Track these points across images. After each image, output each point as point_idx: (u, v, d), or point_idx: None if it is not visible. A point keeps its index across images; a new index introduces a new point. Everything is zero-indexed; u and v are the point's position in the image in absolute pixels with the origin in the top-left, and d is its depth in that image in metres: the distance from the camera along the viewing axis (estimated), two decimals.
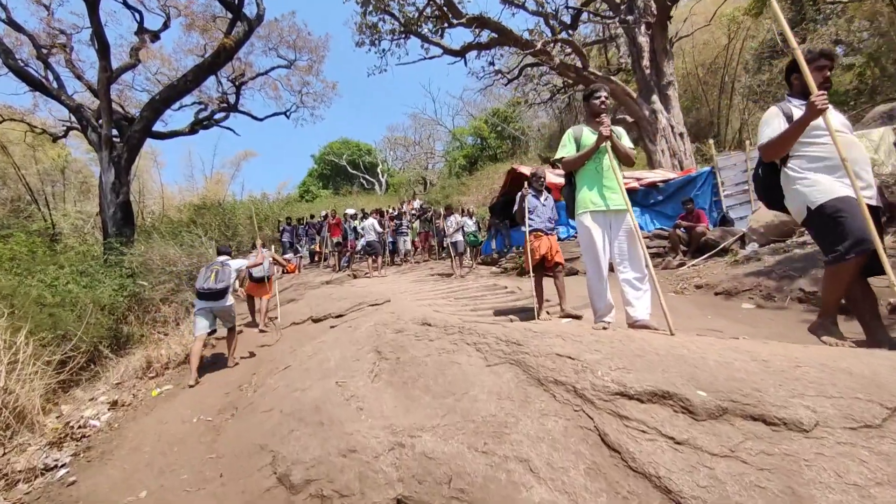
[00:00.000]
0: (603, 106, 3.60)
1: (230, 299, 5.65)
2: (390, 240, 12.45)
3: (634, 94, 16.01)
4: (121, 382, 5.68)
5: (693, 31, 17.60)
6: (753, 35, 20.83)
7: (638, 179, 9.95)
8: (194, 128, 15.61)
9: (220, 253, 6.04)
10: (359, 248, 11.25)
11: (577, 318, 4.65)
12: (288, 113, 18.71)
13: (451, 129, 40.54)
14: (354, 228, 13.40)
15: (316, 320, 6.94)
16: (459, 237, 8.35)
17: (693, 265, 6.95)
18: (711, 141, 10.05)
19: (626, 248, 3.43)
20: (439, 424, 2.38)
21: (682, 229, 8.17)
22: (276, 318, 7.64)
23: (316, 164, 44.10)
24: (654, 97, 15.67)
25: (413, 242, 12.82)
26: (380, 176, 44.27)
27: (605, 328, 3.36)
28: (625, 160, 3.60)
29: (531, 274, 5.19)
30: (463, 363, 3.03)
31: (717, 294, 5.31)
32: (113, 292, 8.76)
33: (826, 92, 2.58)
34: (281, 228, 14.09)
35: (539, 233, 5.28)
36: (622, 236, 3.46)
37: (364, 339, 4.45)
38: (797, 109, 2.73)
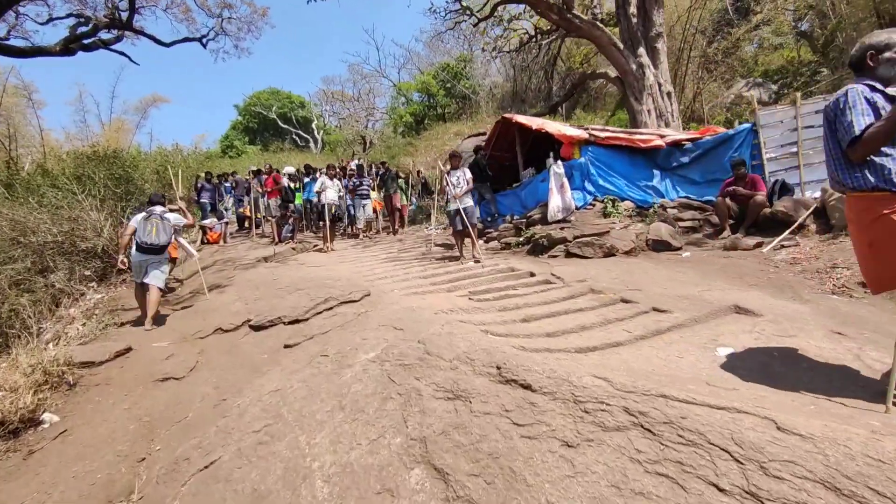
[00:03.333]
0: None
1: (167, 254, 5.49)
2: (349, 203, 9.87)
3: (621, 45, 14.23)
4: None
5: None
6: None
7: (661, 136, 8.20)
8: (69, 46, 11.49)
9: (152, 203, 5.50)
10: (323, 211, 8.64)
11: None
12: (204, 40, 14.79)
13: (397, 83, 37.12)
14: (294, 189, 10.60)
15: (257, 328, 4.48)
16: (470, 202, 6.15)
17: (786, 245, 5.29)
18: (753, 93, 8.47)
19: None
20: None
21: (730, 198, 6.54)
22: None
23: (240, 115, 38.78)
24: (641, 49, 13.99)
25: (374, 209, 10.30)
26: (315, 132, 40.07)
27: None
28: None
29: None
30: None
31: None
32: None
33: None
34: (198, 185, 10.88)
35: None
36: None
37: (371, 401, 2.29)
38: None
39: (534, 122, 8.48)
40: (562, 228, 6.78)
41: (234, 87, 69.72)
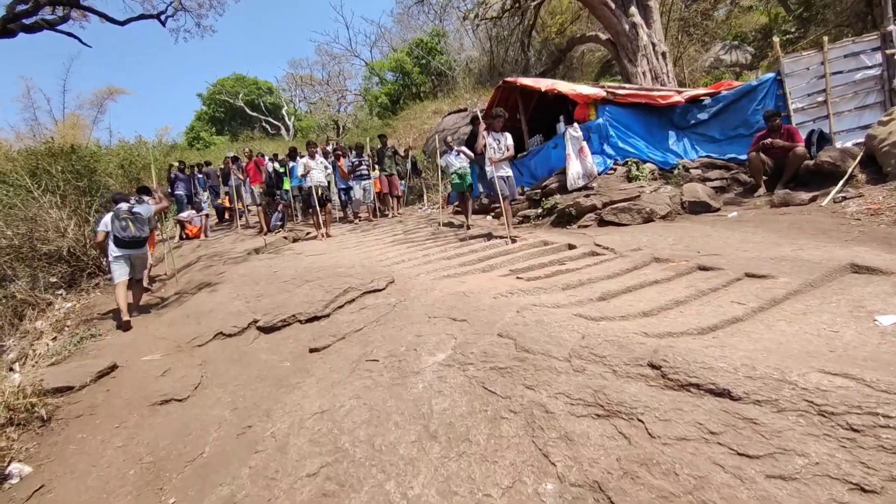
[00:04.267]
0: None
1: (147, 247, 5.40)
2: (342, 186, 9.01)
3: (612, 5, 13.55)
4: None
5: None
6: None
7: (678, 92, 7.62)
8: (7, 27, 10.08)
9: (116, 202, 5.26)
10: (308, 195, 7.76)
11: None
12: (163, 17, 13.37)
13: (369, 62, 35.65)
14: (280, 173, 9.68)
15: (268, 329, 3.76)
16: (510, 170, 5.37)
17: (848, 197, 4.81)
18: (776, 38, 7.93)
19: None
20: None
21: (764, 152, 6.05)
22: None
23: (205, 104, 36.76)
24: (633, 9, 13.33)
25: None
26: (286, 119, 38.45)
27: None
28: None
29: None
30: None
31: None
32: None
33: None
34: (172, 176, 9.84)
35: None
36: None
37: (472, 423, 1.72)
38: None
39: (542, 83, 7.79)
40: (587, 196, 6.19)
41: (196, 74, 65.93)
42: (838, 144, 6.51)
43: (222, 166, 11.85)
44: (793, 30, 16.41)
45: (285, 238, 7.98)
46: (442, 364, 2.19)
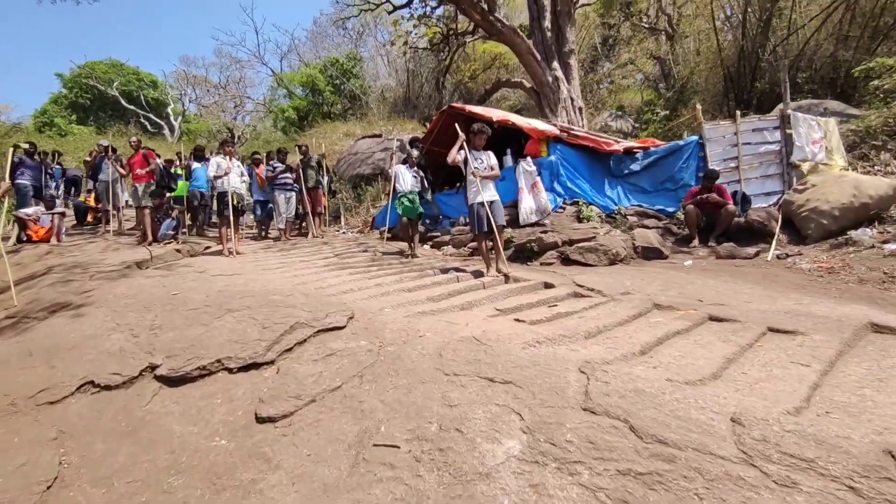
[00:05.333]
0: None
1: None
2: (258, 197, 7.57)
3: (539, 56, 14.31)
4: None
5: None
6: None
7: (617, 141, 7.93)
8: None
9: None
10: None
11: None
12: None
13: (277, 73, 33.59)
14: (174, 174, 7.97)
15: (176, 380, 2.59)
16: (495, 194, 4.61)
17: (790, 255, 5.09)
18: (699, 105, 8.69)
19: None
20: None
21: (700, 206, 6.41)
22: None
23: (66, 87, 31.08)
24: (555, 63, 14.26)
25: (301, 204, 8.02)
26: (171, 118, 34.23)
27: None
28: None
29: None
30: None
31: None
32: None
33: None
34: (15, 160, 7.47)
35: None
36: None
37: None
38: None
39: (493, 113, 7.53)
40: (545, 232, 5.90)
41: (59, 50, 55.48)
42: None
43: (88, 157, 9.55)
44: (665, 110, 18.80)
45: (178, 251, 6.40)
46: (523, 460, 1.44)
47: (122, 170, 7.69)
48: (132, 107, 31.79)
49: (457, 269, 4.88)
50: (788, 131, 7.46)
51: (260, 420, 2.10)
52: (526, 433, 1.58)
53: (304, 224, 8.82)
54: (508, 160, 7.52)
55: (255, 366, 2.63)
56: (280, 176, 7.30)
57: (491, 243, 4.73)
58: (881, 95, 8.74)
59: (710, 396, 1.74)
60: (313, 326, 3.03)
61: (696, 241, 6.45)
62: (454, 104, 8.59)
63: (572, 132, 7.19)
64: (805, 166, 7.31)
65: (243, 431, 2.04)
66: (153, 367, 2.76)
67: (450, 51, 18.70)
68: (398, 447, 1.65)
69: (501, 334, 2.67)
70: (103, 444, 2.14)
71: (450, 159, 4.60)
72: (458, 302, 3.77)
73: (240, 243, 6.89)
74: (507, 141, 8.19)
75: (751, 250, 5.48)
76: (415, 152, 7.23)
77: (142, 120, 31.88)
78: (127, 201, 8.96)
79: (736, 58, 14.48)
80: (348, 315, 3.24)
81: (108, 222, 8.17)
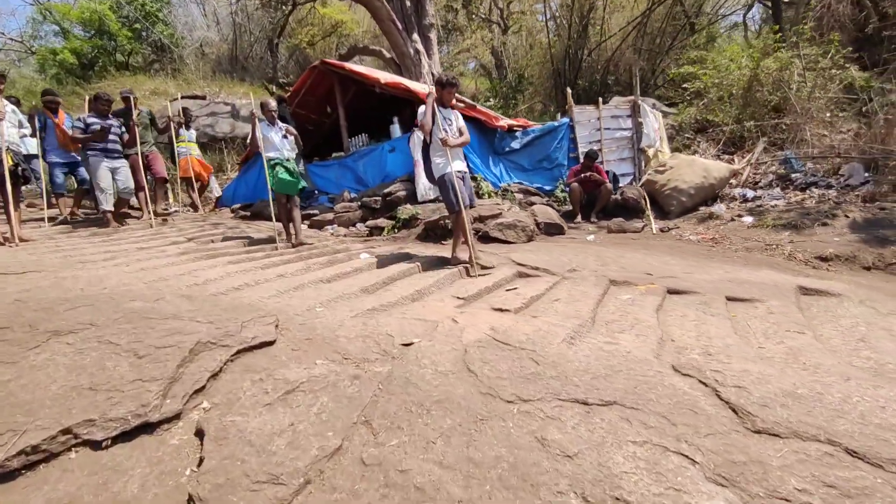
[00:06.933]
0: None
1: None
2: (56, 159, 5.05)
3: (400, 25, 13.57)
4: None
5: None
6: None
7: (497, 119, 7.82)
8: None
9: None
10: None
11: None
12: None
13: (43, 2, 25.44)
14: None
15: None
16: (464, 166, 3.55)
17: (670, 228, 5.60)
18: (569, 91, 9.07)
19: None
20: None
21: (581, 184, 6.77)
22: None
23: None
24: (416, 35, 13.81)
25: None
26: None
27: None
28: None
29: None
30: None
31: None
32: None
33: None
34: None
35: None
36: None
37: None
38: None
39: (380, 75, 6.64)
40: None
41: None
42: None
43: None
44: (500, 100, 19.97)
45: None
46: None
47: None
48: None
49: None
50: (640, 119, 8.43)
51: None
52: (720, 485, 1.06)
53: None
54: (397, 129, 6.78)
55: (148, 428, 1.53)
56: (107, 135, 4.99)
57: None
58: (689, 98, 10.59)
59: (856, 390, 1.49)
60: (227, 346, 1.98)
61: (579, 217, 6.78)
62: (327, 60, 7.37)
63: (468, 103, 6.80)
64: (650, 152, 8.38)
65: None
66: None
67: (284, 9, 16.54)
68: None
69: (516, 330, 2.09)
70: None
71: (426, 126, 3.55)
72: (404, 292, 3.02)
73: (23, 226, 4.69)
74: (393, 108, 7.41)
75: (638, 224, 5.95)
76: (272, 103, 5.58)
77: None
78: None
79: (562, 56, 15.87)
80: (271, 322, 2.25)
81: None
